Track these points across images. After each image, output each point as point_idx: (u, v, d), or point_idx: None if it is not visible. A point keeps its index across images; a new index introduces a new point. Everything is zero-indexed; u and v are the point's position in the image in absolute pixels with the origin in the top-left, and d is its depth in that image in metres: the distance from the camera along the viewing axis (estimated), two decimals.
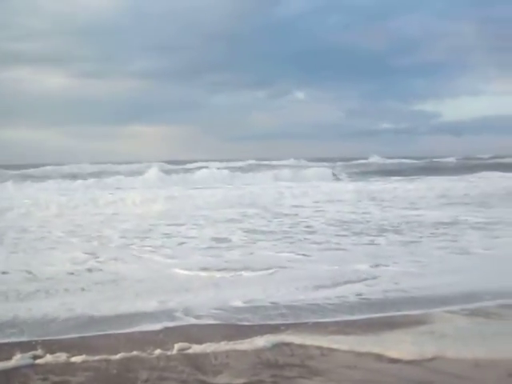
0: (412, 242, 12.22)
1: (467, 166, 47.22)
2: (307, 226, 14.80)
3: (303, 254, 10.86)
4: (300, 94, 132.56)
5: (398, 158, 58.78)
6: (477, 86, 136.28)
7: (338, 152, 79.26)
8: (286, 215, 17.44)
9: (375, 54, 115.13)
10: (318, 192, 25.04)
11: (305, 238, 12.81)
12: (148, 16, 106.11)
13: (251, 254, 11.05)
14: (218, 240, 12.67)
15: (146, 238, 13.21)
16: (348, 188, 27.16)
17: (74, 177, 34.62)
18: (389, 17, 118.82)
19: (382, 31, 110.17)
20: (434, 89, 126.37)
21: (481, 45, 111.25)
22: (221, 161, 50.10)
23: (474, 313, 6.85)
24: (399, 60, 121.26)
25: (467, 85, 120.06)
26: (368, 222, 15.68)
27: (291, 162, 51.10)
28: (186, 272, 9.43)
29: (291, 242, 12.32)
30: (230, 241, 12.54)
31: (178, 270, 9.54)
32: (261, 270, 9.46)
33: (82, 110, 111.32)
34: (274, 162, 49.43)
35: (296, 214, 17.64)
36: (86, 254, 10.97)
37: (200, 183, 30.92)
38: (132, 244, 12.32)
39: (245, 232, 13.75)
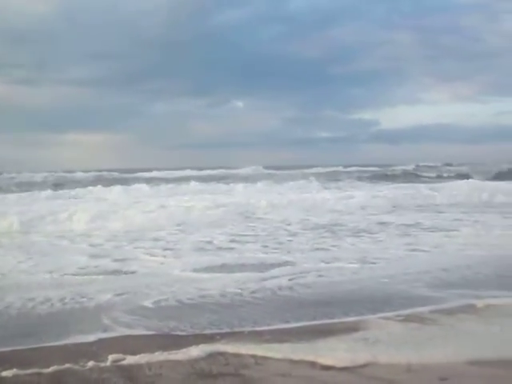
0: None
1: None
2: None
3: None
4: (239, 103, 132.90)
5: (340, 165, 59.49)
6: (414, 94, 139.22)
7: (279, 161, 79.37)
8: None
9: (313, 62, 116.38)
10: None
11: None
12: (84, 23, 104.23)
13: None
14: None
15: None
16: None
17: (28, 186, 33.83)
18: (327, 26, 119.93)
19: (320, 40, 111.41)
20: (372, 97, 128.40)
21: (418, 54, 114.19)
22: (171, 169, 49.97)
23: (408, 318, 6.94)
24: (337, 69, 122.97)
25: (405, 94, 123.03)
26: None
27: (249, 170, 51.21)
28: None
29: None
30: None
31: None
32: None
33: (17, 118, 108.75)
34: (235, 171, 49.61)
35: None
36: None
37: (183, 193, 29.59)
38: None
39: None
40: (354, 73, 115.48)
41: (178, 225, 17.02)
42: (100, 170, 48.84)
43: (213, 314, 7.46)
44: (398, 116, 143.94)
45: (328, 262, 10.73)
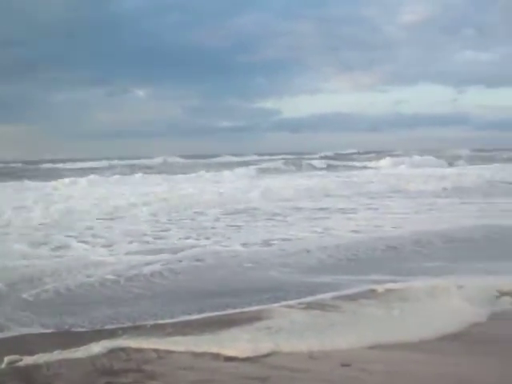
0: None
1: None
2: None
3: None
4: (140, 92, 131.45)
5: (254, 154, 59.98)
6: (315, 84, 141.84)
7: (182, 150, 78.97)
8: None
9: (216, 52, 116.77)
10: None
11: None
12: None
13: None
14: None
15: None
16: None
17: None
18: (229, 15, 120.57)
19: (223, 30, 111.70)
20: (274, 87, 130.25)
21: (318, 44, 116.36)
22: (76, 160, 49.05)
23: (310, 306, 7.03)
24: (239, 59, 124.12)
25: (305, 83, 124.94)
26: None
27: (159, 160, 50.83)
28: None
29: None
30: None
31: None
32: None
33: None
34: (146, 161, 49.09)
35: None
36: None
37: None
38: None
39: None
40: (256, 63, 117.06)
41: (105, 215, 16.77)
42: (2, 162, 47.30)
43: (112, 306, 7.35)
44: (299, 105, 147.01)
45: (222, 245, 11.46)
